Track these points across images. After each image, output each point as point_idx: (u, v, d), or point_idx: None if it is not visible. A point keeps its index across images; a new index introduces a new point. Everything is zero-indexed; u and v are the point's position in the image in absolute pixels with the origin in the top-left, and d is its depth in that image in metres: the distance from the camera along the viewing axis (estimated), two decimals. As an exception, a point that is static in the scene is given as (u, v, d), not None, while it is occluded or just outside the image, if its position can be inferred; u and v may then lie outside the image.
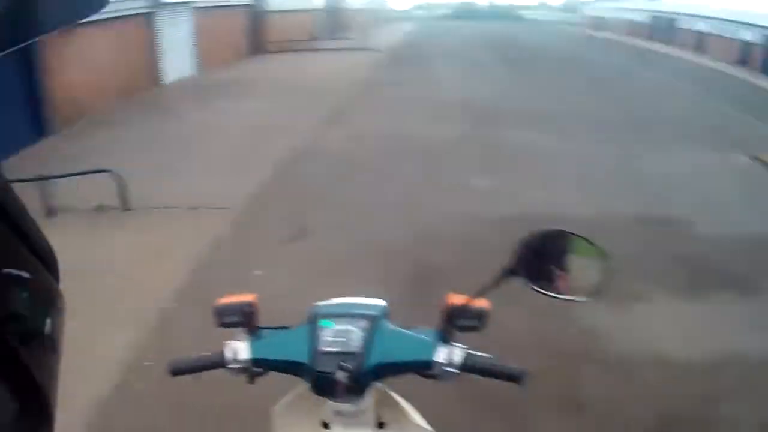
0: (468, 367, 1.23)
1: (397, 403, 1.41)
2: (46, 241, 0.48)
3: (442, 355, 1.22)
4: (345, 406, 1.29)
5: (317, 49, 21.63)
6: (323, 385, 1.20)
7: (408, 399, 1.41)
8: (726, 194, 7.85)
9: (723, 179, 8.57)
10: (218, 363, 1.27)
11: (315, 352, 1.20)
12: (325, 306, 1.30)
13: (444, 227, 5.94)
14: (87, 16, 0.53)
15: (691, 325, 4.71)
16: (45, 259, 0.47)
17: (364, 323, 1.23)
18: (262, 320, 1.33)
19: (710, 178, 8.52)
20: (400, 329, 1.29)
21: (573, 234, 1.25)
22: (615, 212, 6.73)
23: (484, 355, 1.25)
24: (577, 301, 1.25)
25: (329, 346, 1.20)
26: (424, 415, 1.43)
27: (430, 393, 3.48)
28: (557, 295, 1.23)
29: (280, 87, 13.21)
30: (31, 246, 0.45)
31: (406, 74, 15.71)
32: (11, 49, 0.43)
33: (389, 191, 6.89)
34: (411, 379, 1.31)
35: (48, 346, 0.47)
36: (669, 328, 4.64)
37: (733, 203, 7.54)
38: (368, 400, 1.32)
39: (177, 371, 1.30)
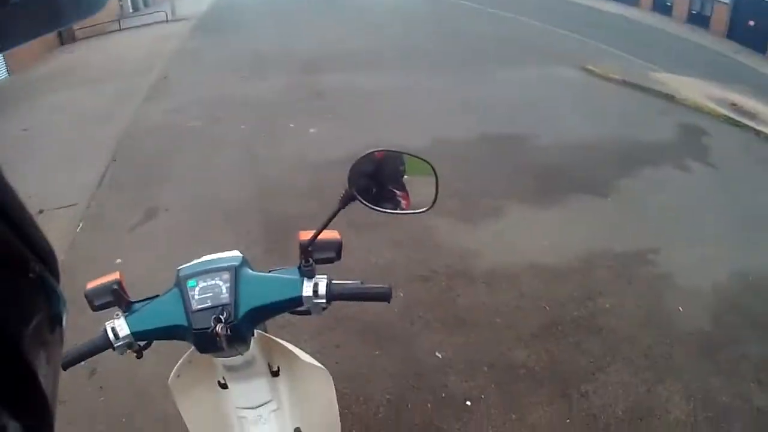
0: (335, 295, 1.29)
1: (285, 348, 1.46)
2: (47, 241, 0.47)
3: (307, 289, 1.27)
4: (234, 360, 1.32)
5: (127, 28, 20.40)
6: (205, 342, 1.21)
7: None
8: (560, 105, 8.47)
9: (556, 91, 9.23)
10: (104, 345, 1.26)
11: (189, 312, 1.22)
12: (187, 267, 1.31)
13: (286, 177, 6.05)
14: (81, 19, 0.51)
15: (552, 231, 5.11)
16: (45, 259, 0.46)
17: (227, 275, 1.26)
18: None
19: (544, 92, 9.11)
20: (262, 274, 1.32)
21: (395, 151, 1.32)
22: (456, 137, 7.05)
23: (348, 281, 1.31)
24: (416, 213, 1.32)
25: (200, 304, 1.22)
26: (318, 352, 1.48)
27: (319, 333, 3.59)
28: (397, 212, 1.31)
29: (95, 74, 12.38)
30: (31, 246, 0.44)
31: (218, 39, 15.24)
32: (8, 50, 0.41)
33: (225, 154, 6.83)
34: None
35: (56, 351, 0.47)
36: (532, 237, 5.00)
37: (568, 112, 8.18)
38: (254, 349, 1.35)
39: (67, 364, 1.27)
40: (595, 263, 4.64)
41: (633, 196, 5.83)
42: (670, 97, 9.60)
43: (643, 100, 9.49)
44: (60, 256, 4.62)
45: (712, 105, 9.50)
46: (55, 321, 0.46)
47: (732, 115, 9.16)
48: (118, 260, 4.56)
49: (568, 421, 3.24)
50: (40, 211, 5.61)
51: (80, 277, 1.36)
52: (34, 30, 0.46)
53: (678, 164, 6.69)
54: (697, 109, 9.24)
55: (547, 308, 4.07)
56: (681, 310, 4.18)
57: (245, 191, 5.77)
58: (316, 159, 6.28)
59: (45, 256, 0.46)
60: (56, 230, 5.22)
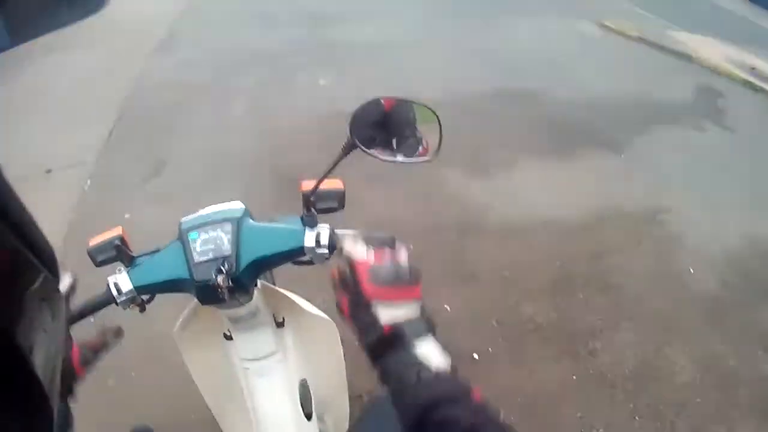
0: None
1: (289, 299, 1.46)
2: (47, 241, 0.48)
3: (309, 239, 1.25)
4: (238, 311, 1.33)
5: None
6: (208, 294, 1.21)
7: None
8: (576, 60, 8.29)
9: (572, 46, 9.01)
10: (107, 300, 1.26)
11: (191, 265, 1.21)
12: (189, 220, 1.30)
13: (295, 128, 5.96)
14: (85, 17, 0.49)
15: (564, 186, 5.05)
16: (45, 259, 0.47)
17: (228, 226, 1.24)
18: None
19: (560, 46, 8.91)
20: (265, 224, 1.31)
21: (398, 98, 1.27)
22: (470, 89, 6.92)
23: (350, 231, 1.27)
24: (419, 163, 1.25)
25: (202, 256, 1.21)
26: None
27: (328, 284, 3.57)
28: (399, 160, 1.26)
29: (100, 33, 12.07)
30: (31, 246, 0.44)
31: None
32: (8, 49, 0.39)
33: (233, 107, 6.71)
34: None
35: (53, 346, 0.47)
36: (544, 192, 4.95)
37: (583, 67, 8.00)
38: (258, 300, 1.36)
39: (71, 320, 1.26)
40: (606, 220, 4.59)
41: (647, 154, 5.73)
42: (687, 57, 9.38)
43: (660, 58, 9.27)
44: (68, 214, 4.65)
45: (730, 67, 9.28)
46: (56, 280, 0.48)
47: (751, 78, 8.95)
48: (127, 215, 4.56)
49: (574, 377, 3.25)
50: (48, 171, 5.60)
51: (89, 233, 1.36)
52: (34, 30, 0.46)
53: (694, 125, 6.57)
54: (715, 71, 9.04)
55: (557, 264, 4.05)
56: (692, 271, 4.15)
57: (254, 143, 5.70)
58: (325, 110, 6.19)
59: (45, 257, 0.47)
60: (64, 189, 5.21)
